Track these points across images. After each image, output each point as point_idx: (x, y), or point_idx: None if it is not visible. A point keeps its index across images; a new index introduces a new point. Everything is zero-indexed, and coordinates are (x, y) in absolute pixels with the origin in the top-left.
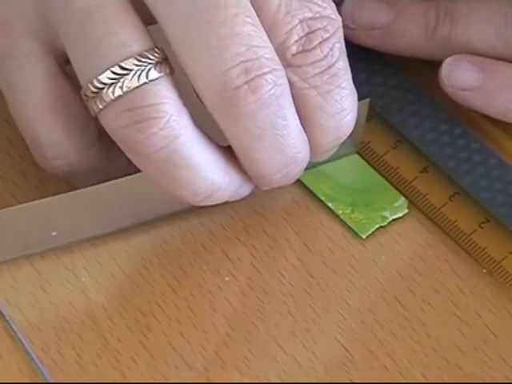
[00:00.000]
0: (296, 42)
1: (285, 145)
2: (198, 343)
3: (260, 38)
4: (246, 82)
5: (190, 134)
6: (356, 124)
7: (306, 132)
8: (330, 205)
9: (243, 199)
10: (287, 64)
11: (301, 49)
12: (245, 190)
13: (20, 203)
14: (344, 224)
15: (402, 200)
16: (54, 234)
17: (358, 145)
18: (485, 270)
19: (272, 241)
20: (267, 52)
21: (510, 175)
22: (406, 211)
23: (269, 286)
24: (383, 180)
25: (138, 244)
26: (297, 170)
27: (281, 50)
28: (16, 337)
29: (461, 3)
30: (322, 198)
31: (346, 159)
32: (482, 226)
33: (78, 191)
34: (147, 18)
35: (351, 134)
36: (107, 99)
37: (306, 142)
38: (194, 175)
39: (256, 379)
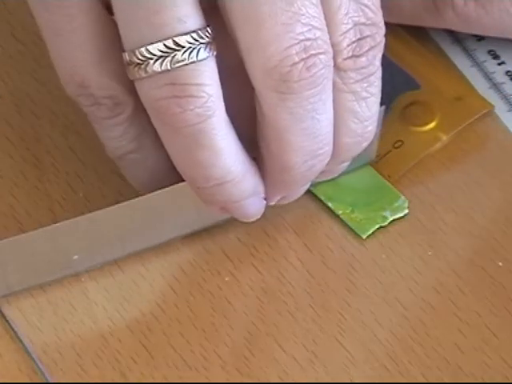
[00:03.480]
0: (348, 46)
1: (319, 132)
2: (199, 343)
3: (320, 21)
4: (303, 60)
5: (222, 116)
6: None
7: (334, 137)
8: (330, 205)
9: None
10: (335, 66)
11: (351, 54)
12: (255, 202)
13: (20, 203)
14: (344, 224)
15: (402, 200)
16: (75, 257)
17: (373, 155)
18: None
19: (272, 241)
20: (324, 34)
21: None
22: (406, 211)
23: (269, 286)
24: (383, 180)
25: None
26: (319, 166)
27: (333, 51)
28: (16, 337)
29: None
30: (322, 198)
31: None
32: None
33: (96, 212)
34: None
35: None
36: (152, 70)
37: (332, 141)
38: (214, 158)
39: (256, 379)
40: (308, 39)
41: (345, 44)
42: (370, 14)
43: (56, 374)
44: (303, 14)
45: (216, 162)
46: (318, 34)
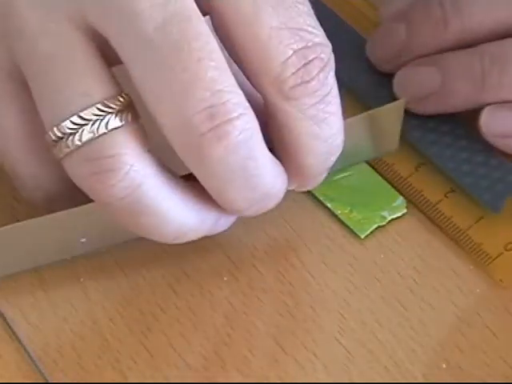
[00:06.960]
0: (293, 74)
1: (257, 183)
2: (198, 343)
3: (226, 82)
4: (212, 129)
5: (153, 181)
6: (392, 123)
7: (296, 159)
8: (328, 205)
9: None
10: (284, 97)
11: (299, 81)
12: (223, 224)
13: (20, 204)
14: (344, 224)
15: (400, 200)
16: (82, 240)
17: (394, 144)
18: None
19: (272, 241)
20: (234, 96)
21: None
22: (405, 211)
23: (269, 286)
24: (382, 180)
25: (138, 244)
26: (272, 202)
27: (276, 84)
28: (16, 337)
29: (506, 45)
30: (321, 198)
31: None
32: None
33: None
34: (114, 59)
35: (386, 135)
36: (67, 148)
37: (281, 174)
38: (161, 220)
39: (256, 379)
40: (213, 105)
41: (288, 73)
42: (309, 36)
43: (56, 374)
44: (201, 79)
45: (164, 222)
46: (226, 97)
